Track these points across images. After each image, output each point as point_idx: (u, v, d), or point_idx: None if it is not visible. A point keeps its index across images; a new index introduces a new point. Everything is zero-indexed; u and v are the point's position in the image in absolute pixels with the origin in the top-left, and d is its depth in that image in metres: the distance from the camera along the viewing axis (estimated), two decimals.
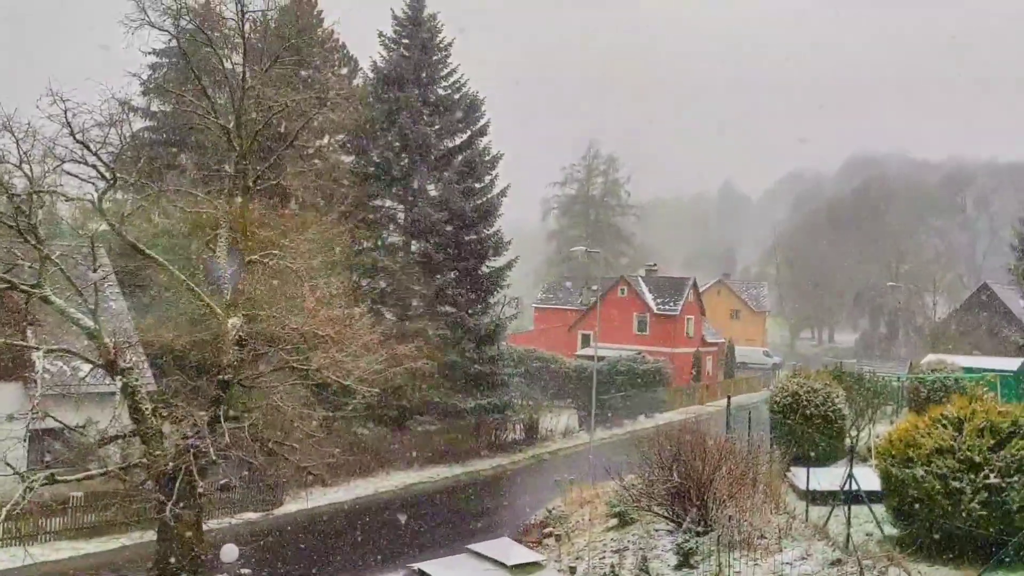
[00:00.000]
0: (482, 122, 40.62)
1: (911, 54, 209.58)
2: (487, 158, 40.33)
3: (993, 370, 36.12)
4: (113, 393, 19.92)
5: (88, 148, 17.10)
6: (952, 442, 16.26)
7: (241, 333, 18.67)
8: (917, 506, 16.31)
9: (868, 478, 19.25)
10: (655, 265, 72.86)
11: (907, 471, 16.45)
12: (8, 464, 15.34)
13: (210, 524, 25.26)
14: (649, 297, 64.19)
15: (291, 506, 28.52)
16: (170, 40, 20.83)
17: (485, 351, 39.04)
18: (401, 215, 39.56)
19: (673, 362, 58.64)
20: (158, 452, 17.18)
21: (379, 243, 38.36)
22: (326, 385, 21.60)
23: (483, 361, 38.64)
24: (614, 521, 20.91)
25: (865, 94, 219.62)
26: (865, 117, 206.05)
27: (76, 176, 18.07)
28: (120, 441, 19.55)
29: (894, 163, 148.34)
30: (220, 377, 18.19)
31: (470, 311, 38.71)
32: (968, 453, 15.93)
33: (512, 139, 61.10)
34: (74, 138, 16.82)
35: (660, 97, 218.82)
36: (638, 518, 20.05)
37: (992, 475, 15.59)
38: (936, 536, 16.01)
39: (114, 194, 26.67)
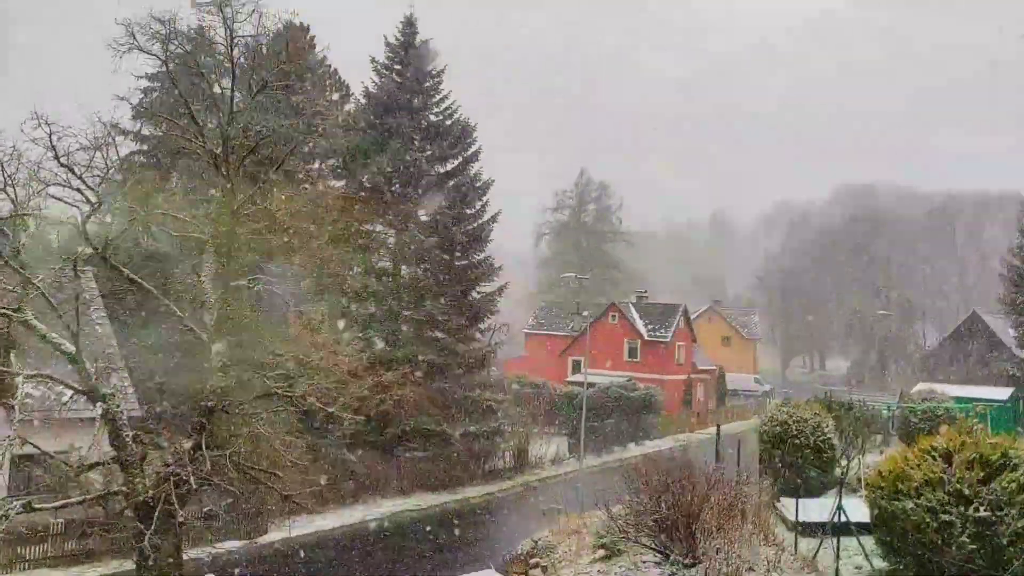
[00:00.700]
0: (473, 148, 40.70)
1: (900, 84, 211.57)
2: (478, 184, 40.37)
3: (983, 399, 36.10)
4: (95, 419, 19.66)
5: (73, 171, 16.99)
6: (942, 474, 16.09)
7: (225, 359, 18.47)
8: (907, 539, 16.12)
9: (858, 509, 19.08)
10: (646, 292, 72.88)
11: (896, 503, 16.27)
12: None
13: (193, 552, 25.00)
14: (640, 323, 64.16)
15: (275, 534, 28.12)
16: (161, 64, 20.72)
17: (475, 377, 38.82)
18: (392, 240, 39.49)
19: (664, 389, 58.50)
20: (138, 480, 16.90)
21: (369, 268, 38.23)
22: (313, 412, 21.39)
23: (473, 387, 38.41)
24: (601, 552, 20.64)
25: (854, 123, 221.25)
26: (854, 147, 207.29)
27: (61, 200, 17.92)
28: (101, 468, 19.29)
29: (884, 192, 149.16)
30: (203, 403, 17.95)
31: (460, 337, 38.52)
32: (958, 486, 15.76)
33: (503, 164, 61.36)
34: (59, 161, 16.72)
35: (650, 125, 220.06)
36: (625, 549, 19.80)
37: (982, 508, 15.42)
38: (926, 570, 15.81)
39: (101, 217, 26.67)
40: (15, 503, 15.49)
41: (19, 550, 23.83)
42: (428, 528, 30.72)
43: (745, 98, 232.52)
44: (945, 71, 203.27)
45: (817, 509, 20.10)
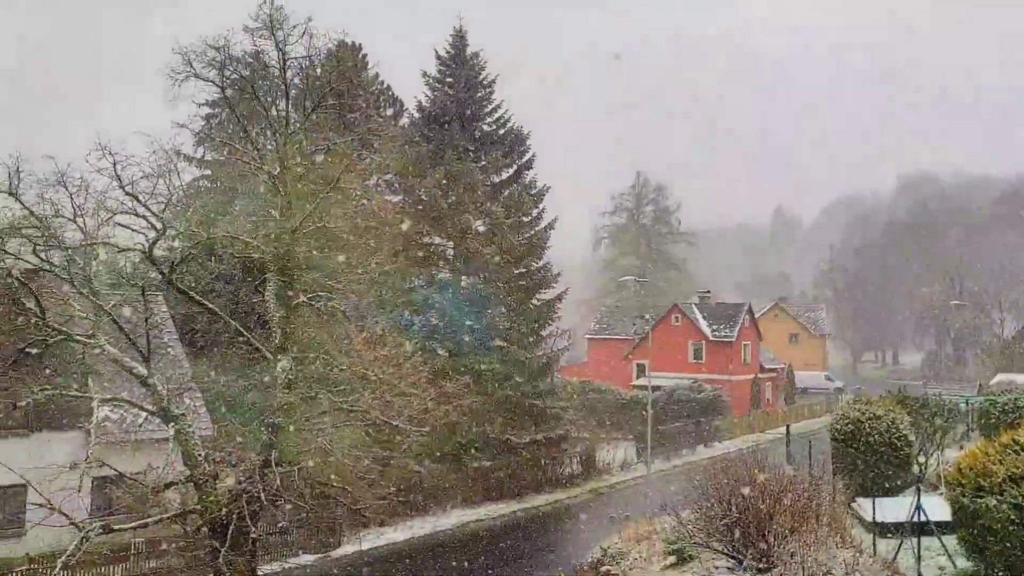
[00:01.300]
0: (528, 155, 40.78)
1: (962, 69, 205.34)
2: (533, 191, 40.41)
3: None
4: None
5: (137, 199, 17.50)
6: None
7: (290, 376, 18.79)
8: (990, 538, 15.52)
9: (938, 508, 18.46)
10: (708, 292, 71.91)
11: (979, 500, 15.69)
12: (63, 513, 15.53)
13: (270, 567, 25.48)
14: (704, 324, 63.31)
15: (348, 548, 28.44)
16: (219, 90, 21.25)
17: (538, 384, 38.75)
18: (450, 251, 39.73)
19: (731, 390, 57.59)
20: (211, 497, 17.27)
21: (429, 280, 38.53)
22: (379, 425, 21.60)
23: (537, 395, 38.34)
24: (672, 559, 20.35)
25: (918, 112, 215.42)
26: (919, 135, 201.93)
27: (128, 227, 18.47)
28: (177, 487, 19.79)
29: (951, 180, 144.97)
30: (271, 420, 18.28)
31: (522, 345, 38.52)
32: None
33: (561, 169, 61.26)
34: (123, 190, 17.24)
35: (709, 122, 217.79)
36: (696, 555, 19.48)
37: None
38: (1015, 570, 15.20)
39: (168, 242, 27.44)
40: (95, 524, 15.96)
41: (102, 570, 24.53)
42: (496, 537, 30.74)
43: (805, 90, 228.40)
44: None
45: (895, 508, 19.50)
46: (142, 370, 17.72)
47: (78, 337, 17.50)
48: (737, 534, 17.75)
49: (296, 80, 22.70)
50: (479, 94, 40.48)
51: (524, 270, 39.50)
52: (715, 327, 63.06)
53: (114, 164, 16.84)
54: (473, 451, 36.24)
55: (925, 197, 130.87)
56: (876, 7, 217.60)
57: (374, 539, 29.36)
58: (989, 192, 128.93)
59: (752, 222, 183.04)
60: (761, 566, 17.13)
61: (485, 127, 40.77)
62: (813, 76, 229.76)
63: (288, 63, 19.98)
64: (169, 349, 29.27)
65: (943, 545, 17.22)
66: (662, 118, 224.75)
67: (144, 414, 19.82)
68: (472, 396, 32.40)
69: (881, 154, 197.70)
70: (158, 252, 20.50)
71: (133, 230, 18.41)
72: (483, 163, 39.94)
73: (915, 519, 17.58)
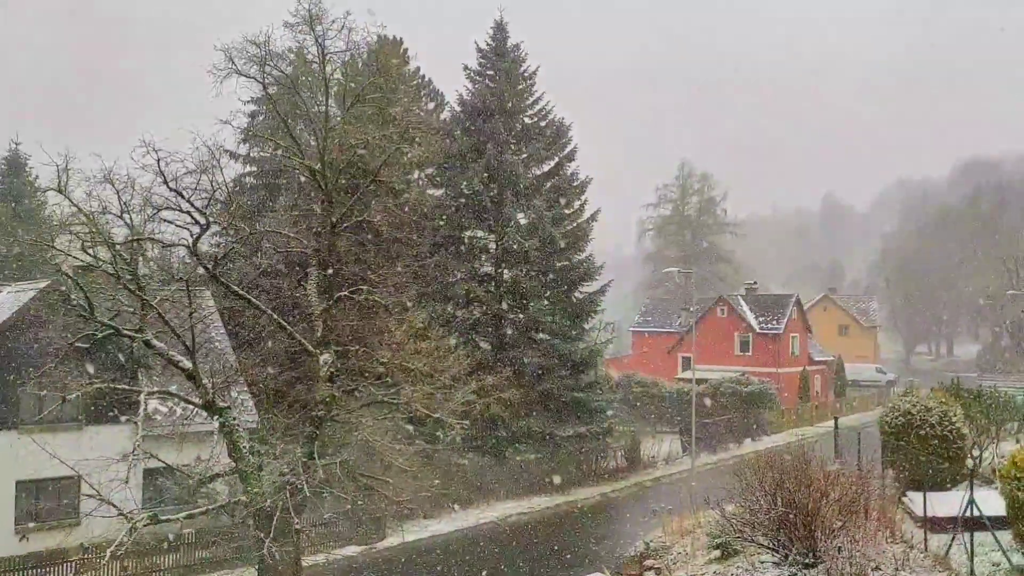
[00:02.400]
0: (569, 148, 40.54)
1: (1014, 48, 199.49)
2: (575, 183, 40.18)
3: None
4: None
5: (182, 195, 17.73)
6: None
7: (332, 369, 18.93)
8: None
9: (992, 502, 17.93)
10: (755, 283, 70.89)
11: None
12: (112, 504, 15.84)
13: (316, 558, 25.77)
14: (750, 316, 62.47)
15: (393, 539, 28.63)
16: (263, 87, 21.43)
17: (581, 378, 38.57)
18: (492, 244, 39.70)
19: (778, 382, 56.75)
20: (256, 489, 17.47)
21: (471, 273, 38.56)
22: (422, 418, 21.68)
23: (580, 388, 38.17)
24: (716, 553, 20.10)
25: (971, 94, 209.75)
26: (974, 119, 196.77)
27: (173, 223, 18.73)
28: (224, 479, 20.09)
29: (1009, 164, 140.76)
30: (313, 413, 18.45)
31: (565, 337, 38.37)
32: None
33: (604, 161, 60.86)
34: (168, 186, 17.48)
35: (754, 109, 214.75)
36: (741, 549, 19.21)
37: None
38: None
39: (214, 237, 27.81)
40: (142, 515, 16.27)
41: (154, 559, 25.04)
42: (540, 530, 30.71)
43: (853, 75, 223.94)
44: None
45: (947, 503, 18.99)
46: (188, 364, 17.99)
47: (126, 331, 17.81)
48: (783, 528, 17.43)
49: (337, 75, 22.83)
50: (520, 86, 40.33)
51: (566, 263, 39.31)
52: (762, 319, 62.19)
53: (158, 160, 17.08)
54: (516, 444, 36.25)
55: (981, 183, 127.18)
56: None
57: (418, 531, 29.52)
58: None
59: (803, 210, 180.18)
60: (807, 561, 16.81)
61: (526, 120, 40.63)
62: (868, 52, 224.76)
63: (328, 58, 20.10)
64: (216, 343, 29.67)
65: (997, 540, 16.72)
66: (711, 106, 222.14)
67: (191, 407, 20.11)
68: (514, 389, 32.34)
69: (937, 137, 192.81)
70: (203, 247, 20.80)
71: (178, 226, 18.67)
72: (524, 156, 39.80)
73: (968, 514, 17.09)
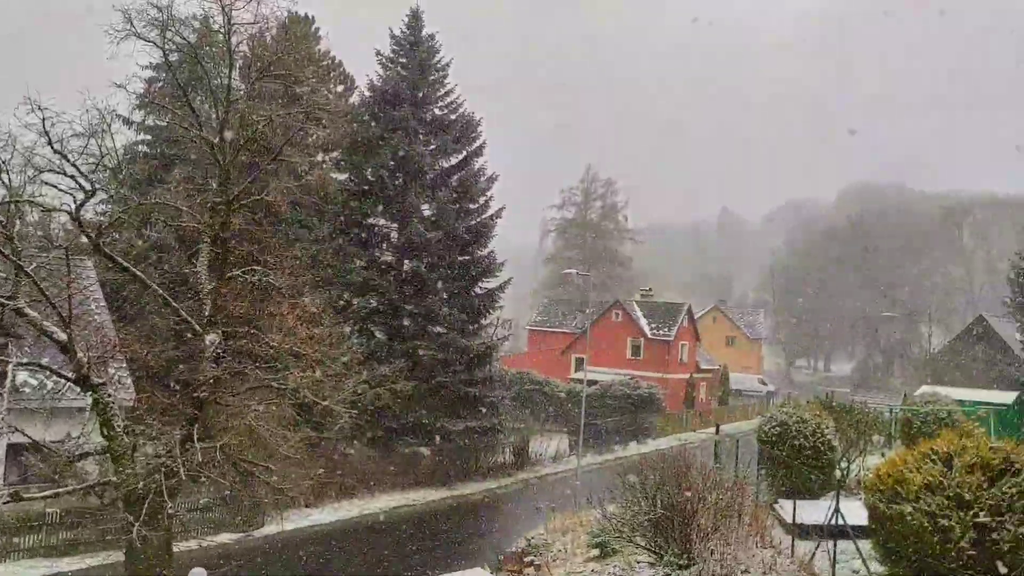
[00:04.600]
0: (478, 143, 40.50)
1: (912, 79, 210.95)
2: (482, 179, 40.17)
3: (987, 404, 35.70)
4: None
5: (66, 158, 16.77)
6: (941, 478, 15.80)
7: (219, 350, 18.30)
8: (905, 544, 15.85)
9: (856, 512, 18.79)
10: (650, 290, 72.57)
11: (895, 507, 15.99)
12: None
13: (189, 544, 24.92)
14: (644, 322, 63.90)
15: (271, 527, 27.98)
16: (163, 54, 20.46)
17: (476, 373, 38.61)
18: (394, 234, 39.31)
19: (666, 388, 58.23)
20: (128, 471, 16.73)
21: (371, 261, 38.06)
22: (309, 405, 21.20)
23: (474, 383, 38.19)
24: (595, 551, 20.42)
25: (864, 121, 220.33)
26: (863, 146, 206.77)
27: (55, 186, 17.70)
28: (97, 458, 19.17)
29: (892, 193, 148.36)
30: (196, 395, 17.79)
31: (461, 332, 38.32)
32: (958, 490, 15.47)
33: (511, 160, 61.07)
34: (52, 148, 16.51)
35: (659, 122, 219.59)
36: (620, 549, 19.58)
37: (982, 514, 15.14)
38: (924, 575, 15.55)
39: (101, 205, 26.50)
40: (3, 492, 15.34)
41: (13, 539, 23.74)
42: (424, 524, 30.57)
43: (754, 92, 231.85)
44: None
45: (815, 511, 19.80)
46: (63, 335, 17.05)
47: None
48: (660, 530, 17.85)
49: (243, 48, 22.07)
50: (432, 77, 40.04)
51: (468, 257, 39.30)
52: (654, 325, 63.70)
53: (43, 120, 16.08)
54: (405, 436, 36.00)
55: (865, 208, 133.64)
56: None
57: (299, 520, 28.96)
58: (927, 207, 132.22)
59: (701, 222, 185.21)
60: (682, 562, 17.26)
61: (436, 111, 40.39)
62: (770, 74, 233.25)
63: (234, 29, 19.35)
64: (95, 316, 28.32)
65: (858, 549, 17.53)
66: (616, 115, 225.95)
67: (63, 381, 19.08)
68: (407, 381, 32.10)
69: (827, 160, 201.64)
70: (87, 215, 19.77)
71: (61, 190, 17.64)
72: (432, 147, 39.56)
73: (833, 522, 17.88)
